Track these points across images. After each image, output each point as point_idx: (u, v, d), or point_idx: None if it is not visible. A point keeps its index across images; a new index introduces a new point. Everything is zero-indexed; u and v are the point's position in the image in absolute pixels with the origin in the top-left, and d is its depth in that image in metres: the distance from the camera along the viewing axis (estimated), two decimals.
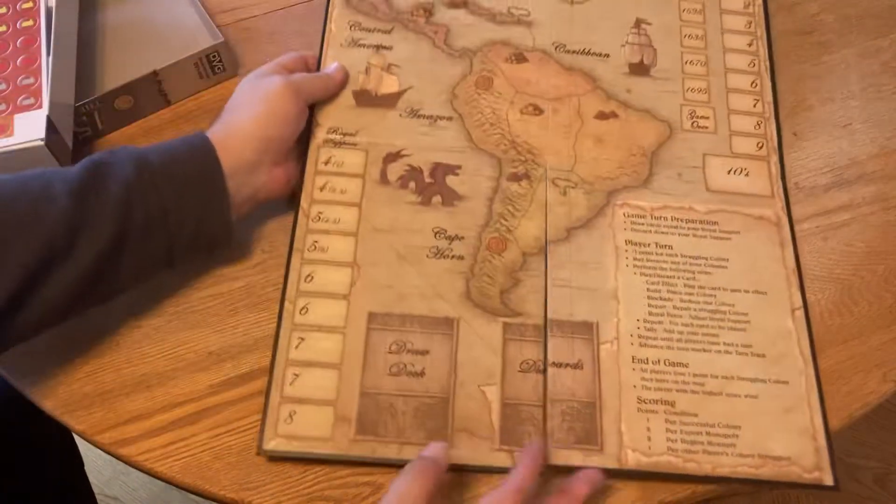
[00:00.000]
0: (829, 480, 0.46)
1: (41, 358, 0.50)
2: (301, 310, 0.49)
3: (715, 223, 0.54)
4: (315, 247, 0.51)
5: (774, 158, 0.56)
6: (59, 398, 0.49)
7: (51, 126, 0.52)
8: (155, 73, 0.58)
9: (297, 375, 0.48)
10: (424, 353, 0.49)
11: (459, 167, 0.55)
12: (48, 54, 0.55)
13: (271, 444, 0.46)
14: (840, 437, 0.48)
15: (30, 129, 0.52)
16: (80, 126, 0.57)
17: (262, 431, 0.46)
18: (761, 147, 0.57)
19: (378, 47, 0.59)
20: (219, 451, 0.48)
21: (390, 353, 0.49)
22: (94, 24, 0.64)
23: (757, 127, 0.58)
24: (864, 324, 0.52)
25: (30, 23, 0.57)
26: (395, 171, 0.54)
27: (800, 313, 0.51)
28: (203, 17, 0.63)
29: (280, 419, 0.46)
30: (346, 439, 0.46)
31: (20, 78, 0.54)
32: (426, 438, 0.46)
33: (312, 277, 0.50)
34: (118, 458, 0.48)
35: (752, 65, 0.60)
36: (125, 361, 0.51)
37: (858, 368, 0.50)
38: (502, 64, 0.59)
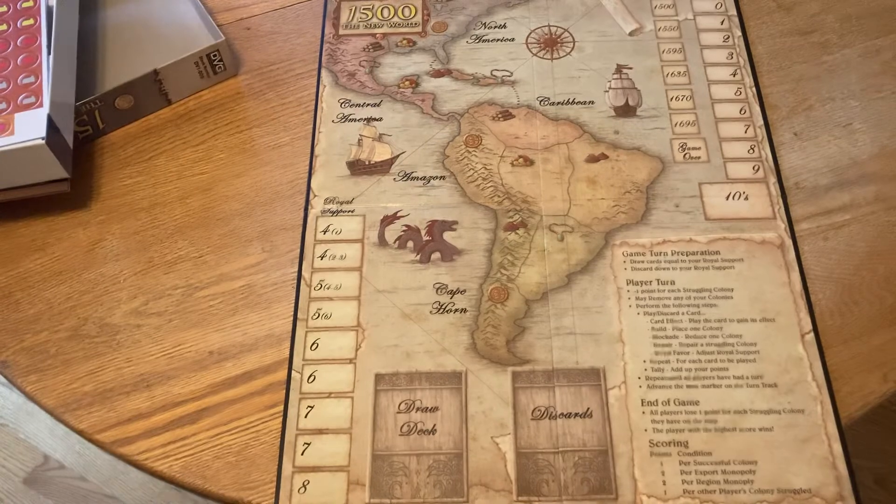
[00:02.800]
0: None
1: (41, 357, 0.52)
2: (308, 378, 0.50)
3: (717, 252, 0.53)
4: (318, 314, 0.52)
5: (773, 180, 0.56)
6: (59, 397, 0.50)
7: (51, 125, 0.53)
8: (155, 72, 0.59)
9: (307, 444, 0.48)
10: (434, 409, 0.49)
11: (456, 222, 0.55)
12: (49, 53, 0.56)
13: None
14: None
15: (30, 127, 0.52)
16: (81, 125, 0.58)
17: (276, 502, 0.46)
18: (757, 170, 0.56)
19: (368, 119, 0.60)
20: (219, 450, 0.48)
21: (400, 412, 0.49)
22: (95, 23, 0.65)
23: (751, 151, 0.57)
24: (864, 324, 0.51)
25: (30, 21, 0.58)
26: (392, 232, 0.55)
27: (810, 337, 0.50)
28: (204, 16, 0.64)
29: (294, 490, 0.47)
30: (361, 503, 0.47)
31: (21, 76, 0.55)
32: (442, 496, 0.46)
33: (318, 345, 0.51)
34: (118, 457, 0.49)
35: (739, 92, 0.60)
36: (125, 361, 0.52)
37: (859, 369, 0.49)
38: (489, 122, 0.59)
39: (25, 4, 0.59)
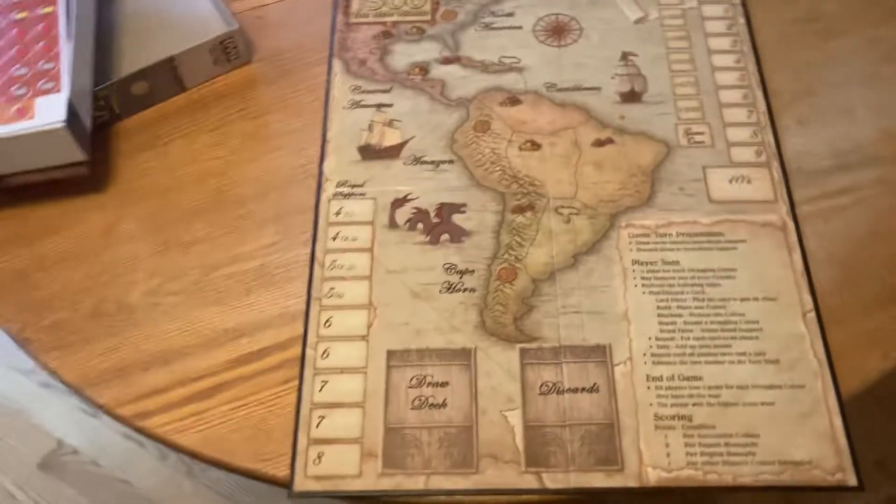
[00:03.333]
0: (852, 481, 0.46)
1: (62, 335, 0.53)
2: (322, 354, 0.51)
3: (720, 234, 0.55)
4: (331, 293, 0.54)
5: (775, 164, 0.57)
6: (80, 373, 0.52)
7: (71, 109, 0.54)
8: (171, 58, 0.60)
9: (322, 418, 0.49)
10: (444, 384, 0.50)
11: (464, 205, 0.56)
12: (68, 40, 0.57)
13: (302, 486, 0.48)
14: None
15: (50, 112, 0.54)
16: (98, 110, 0.60)
17: (292, 475, 0.48)
18: (760, 154, 0.58)
19: (379, 106, 0.61)
20: (236, 423, 0.50)
21: (411, 387, 0.50)
22: (111, 10, 0.66)
23: (754, 136, 0.58)
24: (864, 303, 0.52)
25: (49, 9, 0.60)
26: (402, 215, 0.56)
27: (811, 316, 0.51)
28: (217, 4, 0.65)
29: (309, 461, 0.48)
30: (374, 474, 0.48)
31: (40, 62, 0.56)
32: (452, 467, 0.48)
33: (331, 323, 0.53)
34: (138, 430, 0.50)
35: (742, 79, 0.61)
36: (144, 338, 0.53)
37: (859, 347, 0.51)
38: (497, 108, 0.61)
39: None
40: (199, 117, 0.62)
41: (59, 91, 0.54)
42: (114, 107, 0.61)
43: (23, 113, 0.54)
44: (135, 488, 1.09)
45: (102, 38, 0.63)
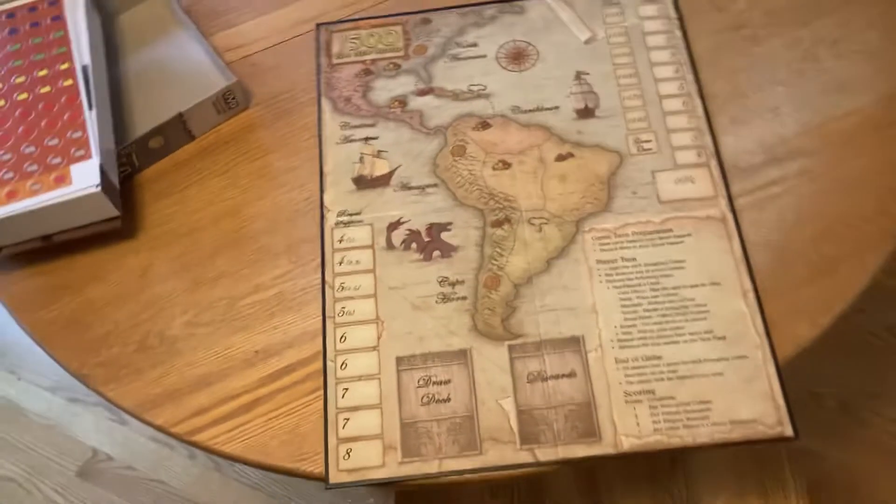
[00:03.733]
0: (789, 432, 0.56)
1: (115, 368, 0.62)
2: (341, 365, 0.60)
3: (670, 230, 0.64)
4: (343, 312, 0.62)
5: (714, 163, 0.66)
6: (135, 400, 0.61)
7: (102, 173, 0.62)
8: (180, 114, 0.68)
9: (347, 419, 0.59)
10: (447, 382, 0.60)
11: (451, 223, 0.65)
12: (91, 108, 0.65)
13: (336, 479, 0.57)
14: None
15: (85, 177, 0.62)
16: (121, 166, 0.68)
17: (326, 470, 0.57)
18: (700, 155, 0.66)
19: (366, 139, 0.69)
20: (273, 431, 0.59)
21: (419, 387, 0.60)
22: (117, 71, 0.74)
23: (694, 139, 0.67)
24: (794, 280, 0.61)
25: (69, 82, 0.67)
26: (397, 237, 0.65)
27: (751, 295, 0.61)
28: (213, 57, 0.73)
29: (339, 457, 0.57)
30: (395, 463, 0.57)
31: (69, 132, 0.64)
32: (460, 451, 0.57)
33: (345, 338, 0.61)
34: (191, 444, 0.59)
35: (681, 87, 0.70)
36: (186, 365, 0.62)
37: (791, 318, 0.60)
38: (471, 132, 0.69)
39: (62, 66, 0.67)
40: (209, 163, 0.70)
41: (90, 157, 0.63)
42: (134, 161, 0.69)
43: (61, 180, 0.62)
44: (169, 487, 1.19)
45: (114, 99, 0.71)
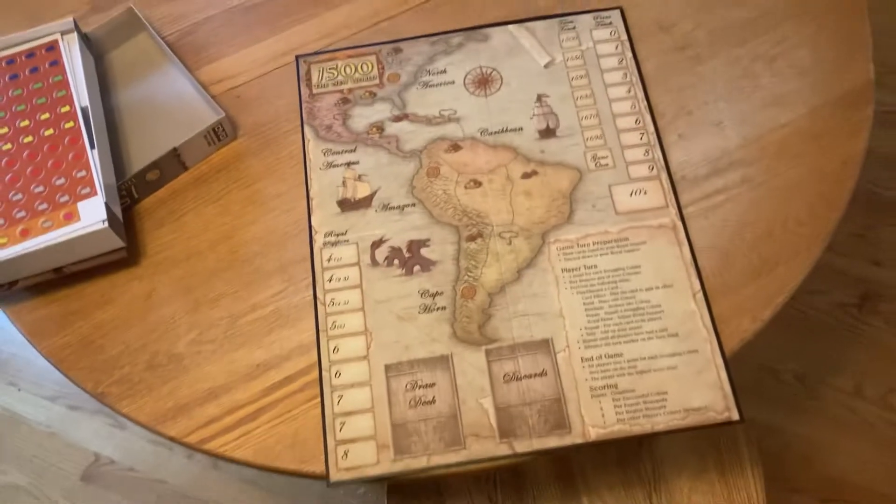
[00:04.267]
0: (735, 416, 0.63)
1: (128, 386, 0.68)
2: (335, 374, 0.67)
3: (626, 239, 0.70)
4: (335, 325, 0.69)
5: (664, 175, 0.73)
6: (149, 414, 0.67)
7: (108, 209, 0.68)
8: (175, 149, 0.74)
9: (343, 423, 0.65)
10: (432, 385, 0.66)
11: (429, 240, 0.72)
12: (92, 148, 0.71)
13: (335, 477, 0.63)
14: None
15: (92, 213, 0.68)
16: (122, 199, 0.74)
17: (327, 469, 0.64)
18: (652, 169, 0.73)
19: (348, 164, 0.76)
20: (277, 437, 0.65)
21: (407, 391, 0.66)
22: (111, 108, 0.79)
23: (646, 154, 0.74)
24: (737, 280, 0.68)
25: (71, 123, 0.72)
26: (381, 254, 0.71)
27: (700, 295, 0.68)
28: (200, 91, 0.79)
29: (338, 458, 0.64)
30: (389, 461, 0.64)
31: (74, 171, 0.70)
32: (446, 447, 0.64)
33: (338, 349, 0.68)
34: (204, 452, 0.66)
35: (633, 106, 0.76)
36: (193, 380, 0.68)
37: (735, 314, 0.67)
38: (443, 154, 0.75)
39: (63, 109, 0.73)
40: (203, 191, 0.76)
41: (95, 194, 0.68)
42: (134, 193, 0.74)
43: (70, 217, 0.67)
44: (171, 486, 1.25)
45: (110, 135, 0.76)
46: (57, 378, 1.32)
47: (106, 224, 0.67)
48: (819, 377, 1.23)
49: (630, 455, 0.83)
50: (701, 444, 0.84)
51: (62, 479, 1.28)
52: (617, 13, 0.82)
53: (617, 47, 0.80)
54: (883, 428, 1.20)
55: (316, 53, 0.82)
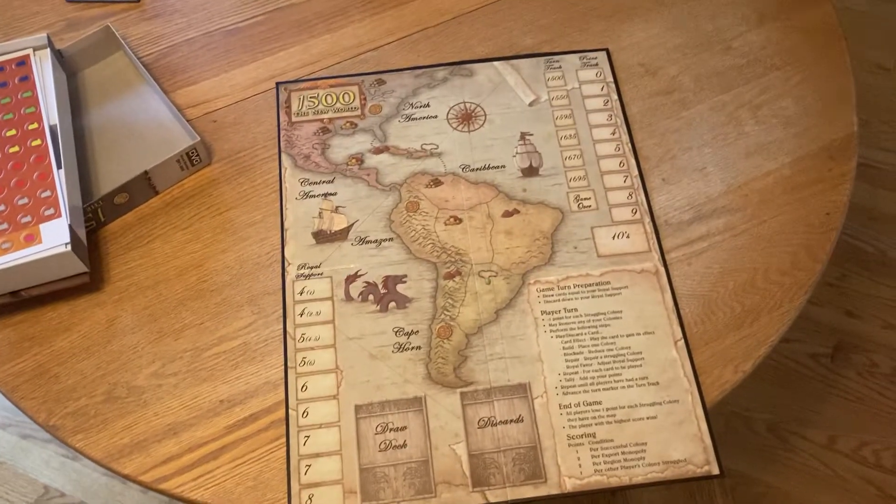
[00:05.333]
0: (716, 471, 0.62)
1: (84, 419, 0.65)
2: (303, 414, 0.64)
3: (608, 282, 0.69)
4: (304, 362, 0.66)
5: (647, 219, 0.72)
6: (104, 450, 0.63)
7: (72, 232, 0.65)
8: (146, 172, 0.71)
9: (308, 466, 0.62)
10: (403, 428, 0.64)
11: (405, 276, 0.69)
12: (59, 168, 0.68)
13: None
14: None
15: (55, 236, 0.65)
16: (87, 221, 0.71)
17: None
18: (635, 212, 0.72)
19: (325, 195, 0.74)
20: (239, 478, 0.62)
21: (377, 433, 0.63)
22: (82, 128, 0.77)
23: (629, 197, 0.73)
24: (719, 329, 0.67)
25: (38, 142, 0.70)
26: (355, 289, 0.69)
27: (681, 343, 0.66)
28: (176, 114, 0.76)
29: (302, 503, 0.61)
30: None
31: (38, 191, 0.67)
32: (416, 495, 0.61)
33: (306, 387, 0.65)
34: (160, 492, 0.62)
35: (618, 148, 0.75)
36: (153, 415, 0.65)
37: (717, 364, 0.66)
38: (424, 189, 0.74)
39: (31, 126, 0.70)
40: (173, 217, 0.73)
41: (59, 216, 0.65)
42: (100, 216, 0.71)
43: (31, 239, 0.64)
44: None
45: (79, 155, 0.74)
46: (8, 405, 1.27)
47: (69, 247, 0.64)
48: (791, 428, 1.23)
49: (603, 501, 0.81)
50: (676, 493, 0.82)
51: None
52: (603, 55, 0.81)
53: (602, 88, 0.79)
54: (856, 482, 1.19)
55: (297, 81, 0.80)
